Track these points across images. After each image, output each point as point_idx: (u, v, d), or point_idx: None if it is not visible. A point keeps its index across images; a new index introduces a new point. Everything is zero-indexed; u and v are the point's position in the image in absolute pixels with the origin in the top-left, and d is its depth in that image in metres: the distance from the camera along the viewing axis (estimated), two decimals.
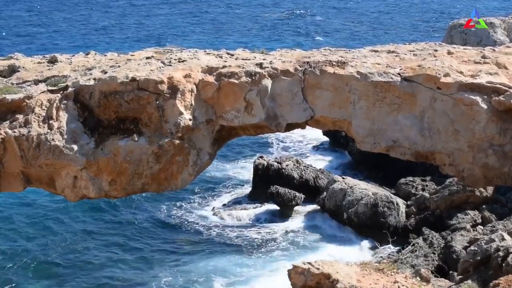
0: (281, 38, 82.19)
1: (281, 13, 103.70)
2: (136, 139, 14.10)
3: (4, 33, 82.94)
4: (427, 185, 35.98)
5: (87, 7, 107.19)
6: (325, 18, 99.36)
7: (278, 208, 37.35)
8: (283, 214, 37.02)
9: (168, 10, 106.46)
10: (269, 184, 37.93)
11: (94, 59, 16.03)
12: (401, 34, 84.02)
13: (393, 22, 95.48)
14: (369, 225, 33.45)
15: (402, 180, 37.07)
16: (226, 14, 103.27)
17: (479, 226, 30.29)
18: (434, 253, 28.56)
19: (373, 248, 32.49)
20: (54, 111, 14.02)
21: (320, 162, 44.74)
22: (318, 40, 79.10)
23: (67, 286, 29.89)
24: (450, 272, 24.90)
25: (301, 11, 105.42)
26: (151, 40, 78.00)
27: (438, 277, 22.38)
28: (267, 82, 14.33)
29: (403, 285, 12.60)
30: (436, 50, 15.32)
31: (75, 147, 13.96)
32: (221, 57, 15.42)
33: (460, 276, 20.04)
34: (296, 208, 37.43)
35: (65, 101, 14.13)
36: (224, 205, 38.83)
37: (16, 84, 14.68)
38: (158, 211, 37.66)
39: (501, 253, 17.61)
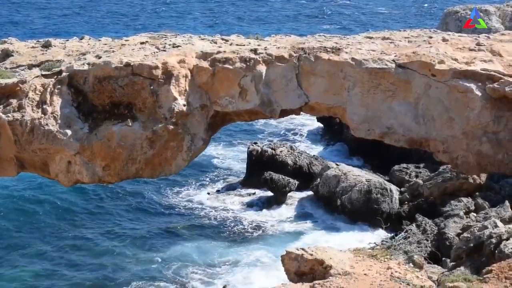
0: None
1: None
2: (130, 124, 14.06)
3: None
4: (420, 172, 36.06)
5: None
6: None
7: (271, 194, 37.39)
8: (277, 200, 37.05)
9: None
10: (263, 170, 37.92)
11: (88, 44, 15.97)
12: (396, 20, 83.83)
13: (387, 9, 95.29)
14: (363, 212, 33.52)
15: (396, 167, 37.15)
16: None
17: (472, 213, 30.34)
18: (427, 240, 28.64)
19: (366, 234, 32.59)
20: (48, 96, 13.98)
21: (314, 148, 44.83)
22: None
23: (58, 270, 29.94)
24: (443, 258, 24.96)
25: None
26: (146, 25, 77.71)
27: (431, 263, 22.45)
28: (262, 68, 14.30)
29: (396, 272, 12.60)
30: (431, 37, 15.31)
31: (69, 132, 13.93)
32: (215, 42, 15.37)
33: (453, 263, 20.07)
34: (289, 194, 37.50)
35: (59, 86, 14.08)
36: (217, 191, 38.85)
37: (10, 68, 14.63)
38: (151, 196, 37.64)
39: (494, 240, 17.61)
